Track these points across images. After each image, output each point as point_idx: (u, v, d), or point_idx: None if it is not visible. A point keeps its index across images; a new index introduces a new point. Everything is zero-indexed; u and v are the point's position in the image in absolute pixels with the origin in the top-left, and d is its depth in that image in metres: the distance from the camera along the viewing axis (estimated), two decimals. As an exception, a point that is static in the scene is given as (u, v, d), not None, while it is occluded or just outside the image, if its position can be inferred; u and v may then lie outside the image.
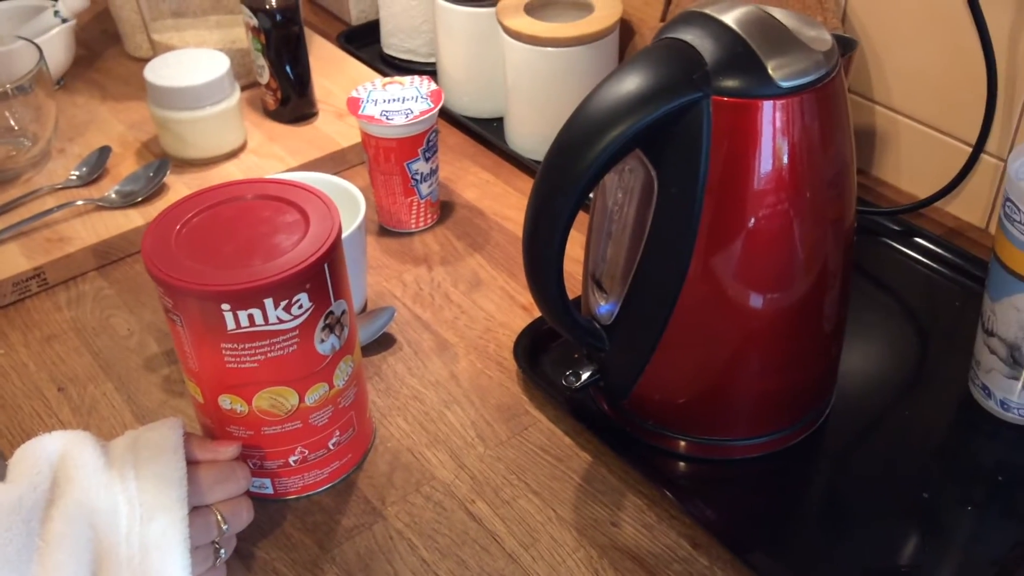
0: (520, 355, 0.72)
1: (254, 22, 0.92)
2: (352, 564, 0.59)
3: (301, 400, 0.58)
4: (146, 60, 1.07)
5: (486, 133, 0.99)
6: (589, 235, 0.65)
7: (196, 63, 0.89)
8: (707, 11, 0.58)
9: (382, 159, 0.83)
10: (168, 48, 0.97)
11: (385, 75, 1.07)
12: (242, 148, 0.94)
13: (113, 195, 0.86)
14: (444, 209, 0.89)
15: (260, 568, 0.59)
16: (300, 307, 0.55)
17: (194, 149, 0.90)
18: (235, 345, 0.55)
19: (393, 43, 1.10)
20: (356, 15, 1.18)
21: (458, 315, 0.78)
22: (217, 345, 0.55)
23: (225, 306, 0.53)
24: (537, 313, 0.77)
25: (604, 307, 0.63)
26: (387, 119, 0.80)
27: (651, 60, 0.56)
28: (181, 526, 0.51)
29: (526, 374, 0.71)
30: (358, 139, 0.95)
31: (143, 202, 0.86)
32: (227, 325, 0.54)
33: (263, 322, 0.54)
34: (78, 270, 0.82)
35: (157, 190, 0.87)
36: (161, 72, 0.88)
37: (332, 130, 0.97)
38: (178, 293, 0.54)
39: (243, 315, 0.53)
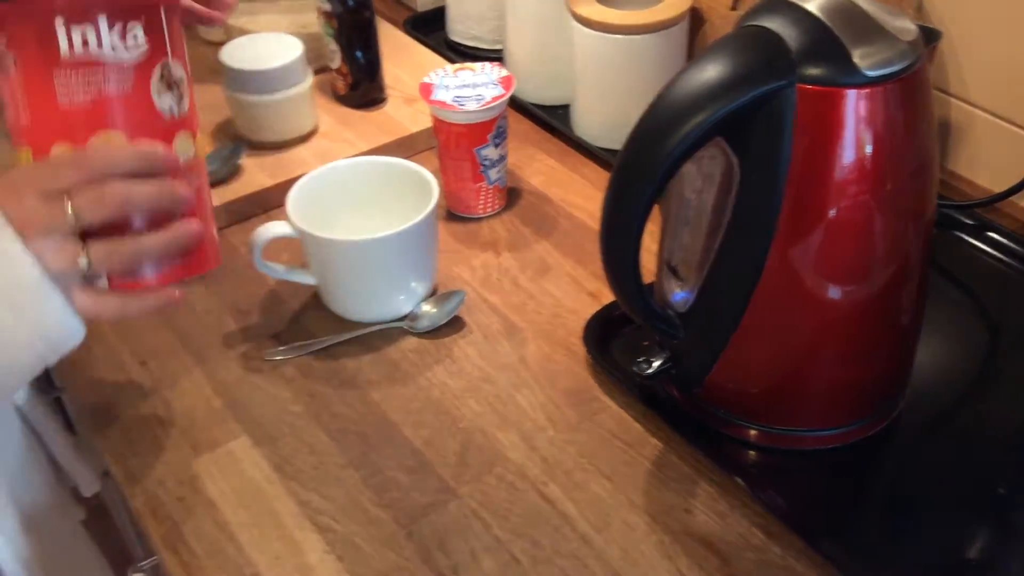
0: (590, 341, 0.73)
1: (327, 7, 0.93)
2: (429, 540, 0.60)
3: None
4: (219, 44, 1.09)
5: (552, 120, 0.99)
6: (665, 222, 0.65)
7: (271, 47, 0.91)
8: (791, -1, 0.57)
9: (452, 145, 0.84)
10: (242, 32, 0.99)
11: (451, 62, 1.07)
12: (313, 132, 0.95)
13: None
14: (511, 195, 0.90)
15: (339, 541, 0.61)
16: (135, 39, 0.54)
17: (268, 132, 0.92)
18: (69, 74, 0.54)
19: (459, 29, 1.11)
20: (422, 2, 1.19)
21: (526, 300, 0.79)
22: (50, 77, 0.54)
23: (59, 20, 0.52)
24: (605, 300, 0.78)
25: (679, 295, 0.64)
26: (459, 105, 0.81)
27: (735, 47, 0.56)
28: None
29: (596, 360, 0.72)
30: (427, 125, 0.96)
31: (219, 183, 0.88)
32: (60, 47, 0.53)
33: (96, 45, 0.53)
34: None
35: (233, 171, 0.89)
36: (237, 56, 0.90)
37: (401, 115, 0.98)
38: (12, 16, 0.53)
39: (76, 34, 0.53)
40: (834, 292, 0.59)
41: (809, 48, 0.55)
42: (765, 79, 0.54)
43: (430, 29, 1.15)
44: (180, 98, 0.57)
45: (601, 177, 0.93)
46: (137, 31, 0.54)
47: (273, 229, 0.73)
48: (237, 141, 0.92)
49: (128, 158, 0.56)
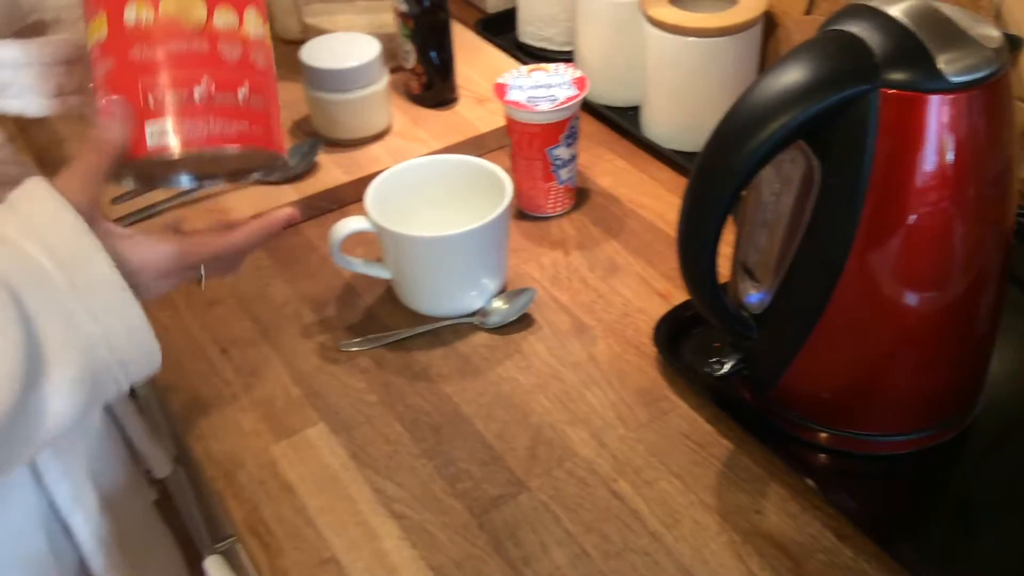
0: (661, 341, 0.73)
1: (403, 8, 0.95)
2: (500, 531, 0.62)
3: (209, 16, 0.56)
4: (295, 42, 1.11)
5: (622, 121, 1.00)
6: (740, 224, 0.66)
7: (349, 47, 0.93)
8: (873, 4, 0.58)
9: (525, 144, 0.85)
10: (319, 31, 1.01)
11: (522, 63, 1.09)
12: (387, 130, 0.97)
13: (269, 170, 0.90)
14: (580, 195, 0.91)
15: (413, 528, 0.62)
16: None
17: (343, 129, 0.94)
18: None
19: (529, 31, 1.12)
20: (493, 3, 1.20)
21: (595, 299, 0.80)
22: None
23: None
24: (675, 300, 0.78)
25: (755, 296, 0.64)
26: (533, 105, 0.82)
27: (818, 51, 0.57)
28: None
29: (666, 360, 0.72)
30: (498, 124, 0.98)
31: (297, 178, 0.90)
32: None
33: None
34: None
35: (310, 167, 0.91)
36: (316, 55, 0.92)
37: (472, 115, 1.00)
38: None
39: None
40: (911, 298, 0.59)
41: (893, 53, 0.55)
42: (848, 83, 0.55)
43: (500, 30, 1.16)
44: None
45: (671, 178, 0.93)
46: None
47: (351, 224, 0.75)
48: (314, 138, 0.94)
49: (261, 237, 0.61)
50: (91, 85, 0.59)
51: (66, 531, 0.70)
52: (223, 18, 0.56)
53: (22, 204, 0.54)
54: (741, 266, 0.65)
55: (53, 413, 0.53)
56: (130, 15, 0.55)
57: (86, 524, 0.70)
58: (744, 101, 0.56)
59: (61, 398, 0.53)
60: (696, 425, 0.69)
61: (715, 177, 0.57)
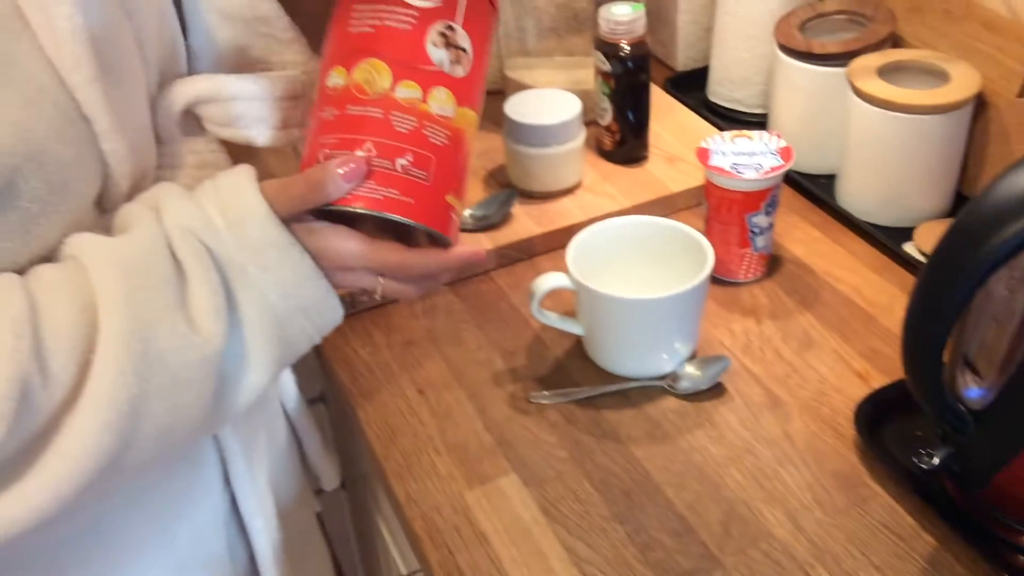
0: (861, 424, 0.72)
1: (606, 68, 0.97)
2: (694, 606, 0.61)
3: (392, 87, 0.58)
4: (492, 92, 1.15)
5: (816, 189, 0.98)
6: (965, 313, 0.63)
7: (550, 103, 0.96)
8: None
9: (724, 209, 0.85)
10: (520, 85, 1.04)
11: (710, 122, 1.09)
12: (578, 185, 0.99)
13: (468, 218, 0.93)
14: (772, 262, 0.90)
15: (607, 593, 0.63)
16: None
17: (538, 183, 0.96)
18: (364, 6, 0.59)
19: (720, 92, 1.13)
20: (683, 61, 1.21)
21: (789, 373, 0.79)
22: (351, 8, 0.60)
23: None
24: (874, 380, 0.76)
25: (975, 391, 0.62)
26: (737, 172, 0.82)
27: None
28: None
29: (867, 445, 0.70)
30: (688, 185, 0.98)
31: (492, 228, 0.93)
32: None
33: None
34: (430, 296, 0.90)
35: (505, 217, 0.94)
36: (519, 109, 0.95)
37: (662, 174, 1.00)
38: None
39: None
40: None
41: None
42: (1106, 184, 0.53)
43: (690, 88, 1.17)
44: (456, 61, 0.61)
45: (867, 252, 0.91)
46: None
47: (552, 280, 0.77)
48: (508, 188, 0.97)
49: (443, 265, 0.62)
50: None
51: (242, 534, 0.73)
52: (405, 91, 0.59)
53: (221, 176, 0.59)
54: (961, 357, 0.63)
55: (254, 374, 0.57)
56: (330, 80, 0.60)
57: (264, 529, 0.74)
58: (988, 195, 0.55)
59: (255, 351, 0.57)
60: (897, 516, 0.66)
61: (952, 273, 0.55)
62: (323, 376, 0.98)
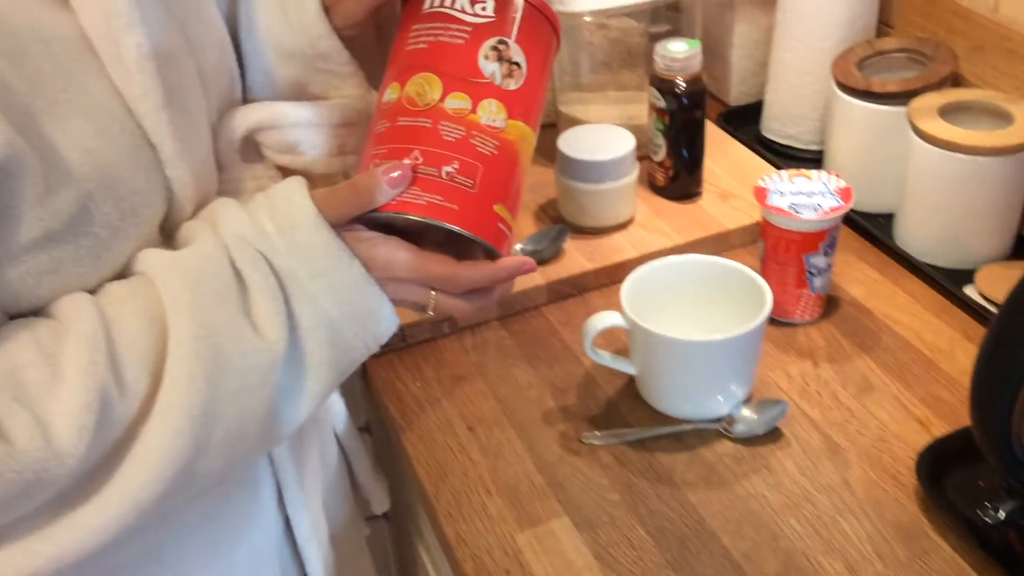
0: (923, 475, 0.70)
1: (660, 104, 0.96)
2: (753, 661, 0.60)
3: (442, 98, 0.59)
4: (544, 126, 1.15)
5: (873, 228, 0.97)
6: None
7: (604, 138, 0.95)
8: None
9: (781, 249, 0.84)
10: (573, 119, 1.04)
11: (764, 158, 1.08)
12: (631, 220, 0.98)
13: (519, 252, 0.93)
14: (829, 303, 0.89)
15: (662, 644, 0.61)
16: (483, 8, 0.60)
17: (590, 218, 0.96)
18: (421, 25, 0.61)
19: (774, 127, 1.11)
20: (736, 96, 1.20)
21: (848, 418, 0.77)
22: (409, 28, 0.61)
23: None
24: (935, 428, 0.75)
25: (1047, 446, 0.60)
26: (795, 212, 0.81)
27: None
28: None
29: (929, 495, 0.68)
30: (742, 222, 0.97)
31: (544, 263, 0.93)
32: (424, 2, 0.61)
33: (449, 5, 0.60)
34: (483, 318, 0.90)
35: (557, 252, 0.93)
36: (573, 145, 0.95)
37: (716, 211, 0.99)
38: None
39: None
40: None
41: None
42: None
43: (742, 123, 1.16)
44: (509, 75, 0.61)
45: (926, 294, 0.89)
46: (488, 2, 0.61)
47: (607, 319, 0.76)
48: (560, 223, 0.96)
49: (496, 277, 0.61)
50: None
51: (296, 558, 0.73)
52: (455, 102, 0.60)
53: (274, 187, 0.60)
54: (1032, 410, 0.61)
55: (312, 382, 0.58)
56: (385, 96, 0.61)
57: (318, 553, 0.73)
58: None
59: (311, 358, 0.57)
60: (960, 570, 0.64)
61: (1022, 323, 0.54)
62: (368, 406, 0.98)
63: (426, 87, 0.60)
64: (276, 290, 0.56)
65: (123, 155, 0.55)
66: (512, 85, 0.61)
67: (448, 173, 0.59)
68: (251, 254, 0.57)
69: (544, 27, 0.64)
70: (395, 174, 0.57)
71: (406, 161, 0.58)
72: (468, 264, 0.60)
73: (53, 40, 0.53)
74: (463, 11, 0.61)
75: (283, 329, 0.56)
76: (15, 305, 0.54)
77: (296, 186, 0.59)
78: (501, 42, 0.61)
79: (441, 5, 0.61)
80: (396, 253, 0.59)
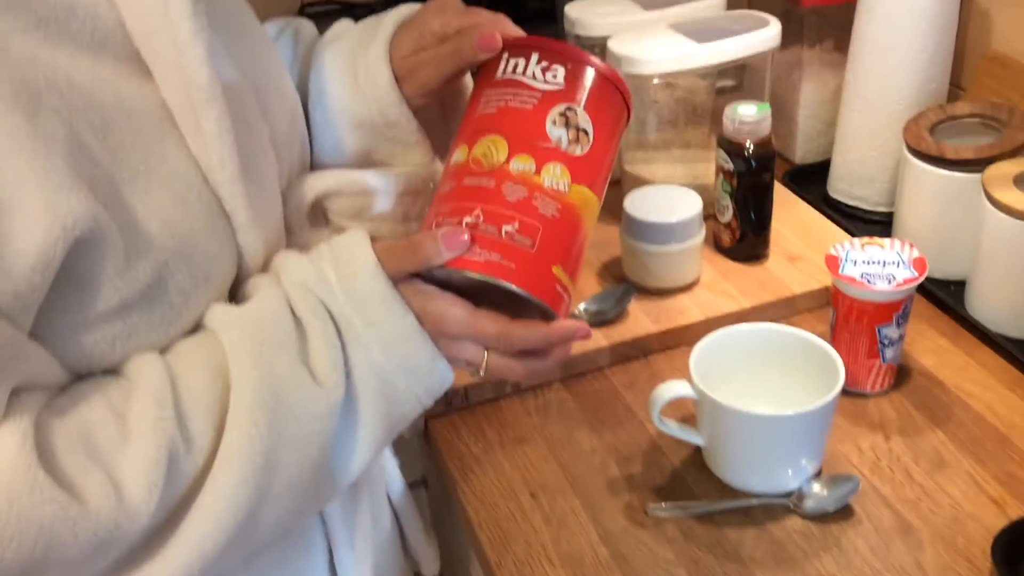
0: (998, 558, 0.67)
1: (728, 166, 0.96)
2: None
3: (507, 160, 0.60)
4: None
5: (944, 295, 0.95)
6: None
7: (671, 199, 0.95)
8: None
9: (853, 319, 0.82)
10: (638, 179, 1.04)
11: (834, 220, 1.07)
12: (696, 282, 0.97)
13: (583, 312, 0.93)
14: (900, 373, 0.87)
15: None
16: (554, 76, 0.61)
17: (655, 279, 0.95)
18: (493, 91, 0.62)
19: (841, 188, 1.10)
20: (801, 155, 1.19)
21: (920, 496, 0.75)
22: (481, 94, 0.63)
23: (504, 54, 0.63)
24: (1011, 509, 0.73)
25: None
26: (868, 282, 0.80)
27: None
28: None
29: (1008, 583, 0.66)
30: (810, 287, 0.96)
31: (608, 323, 0.92)
32: (497, 71, 0.63)
33: (522, 72, 0.62)
34: (546, 379, 0.89)
35: (621, 313, 0.93)
36: (639, 205, 0.94)
37: (783, 274, 0.98)
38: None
39: (512, 63, 0.62)
40: None
41: None
42: None
43: (808, 183, 1.15)
44: (575, 141, 0.62)
45: (1000, 366, 0.87)
46: (558, 71, 0.62)
47: (674, 389, 0.75)
48: (626, 284, 0.96)
49: (550, 340, 0.61)
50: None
51: None
52: (519, 164, 0.60)
53: (337, 237, 0.61)
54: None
55: (364, 432, 0.58)
56: (453, 158, 0.63)
57: None
58: None
59: (363, 409, 0.58)
60: (1045, 667, 0.62)
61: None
62: (424, 460, 0.97)
63: (492, 149, 0.61)
64: (334, 337, 0.57)
65: (199, 224, 0.56)
66: (578, 151, 0.62)
67: (508, 232, 0.59)
68: (311, 301, 0.58)
69: (615, 97, 0.64)
70: (451, 233, 0.58)
71: (467, 219, 0.59)
72: (522, 324, 0.60)
73: (136, 112, 0.54)
74: (534, 78, 0.62)
75: (340, 376, 0.57)
76: (88, 368, 0.55)
77: (359, 236, 0.60)
78: (569, 109, 0.62)
79: (514, 72, 0.63)
80: (450, 309, 0.59)
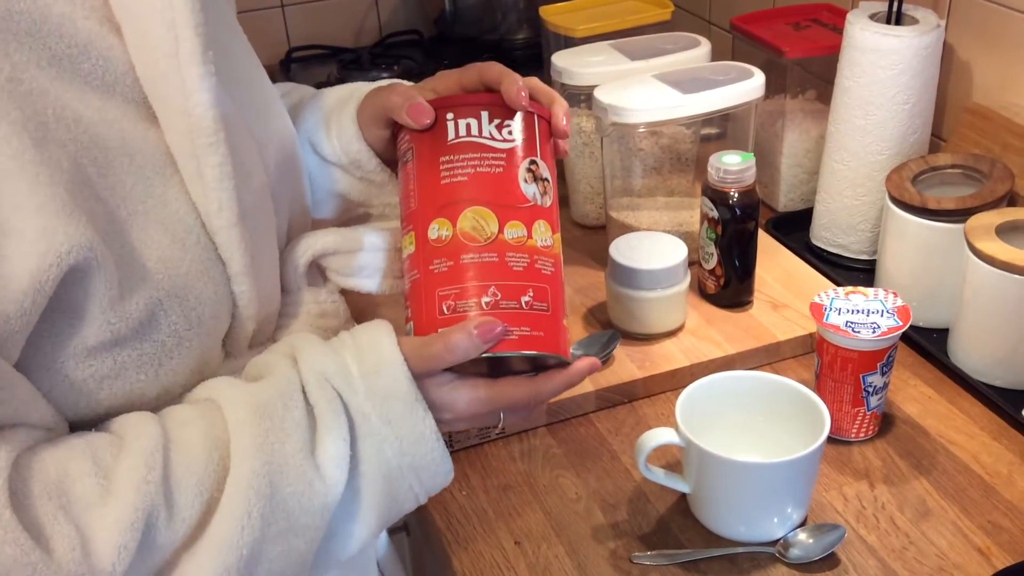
0: (987, 611, 0.67)
1: (713, 214, 0.96)
2: None
3: (500, 230, 0.60)
4: (591, 228, 1.16)
5: (926, 343, 0.96)
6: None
7: (656, 246, 0.95)
8: None
9: (837, 368, 0.83)
10: (623, 225, 1.05)
11: (817, 268, 1.07)
12: (681, 328, 0.98)
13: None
14: (884, 421, 0.87)
15: None
16: (510, 132, 0.62)
17: (640, 325, 0.96)
18: (451, 157, 0.61)
19: (824, 236, 1.11)
20: (784, 203, 1.21)
21: (906, 545, 0.75)
22: (436, 161, 0.62)
23: (449, 115, 0.62)
24: (995, 559, 0.73)
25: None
26: (852, 331, 0.81)
27: None
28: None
29: (996, 636, 0.66)
30: (794, 333, 0.96)
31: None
32: (448, 134, 0.62)
33: (477, 133, 0.61)
34: (531, 424, 0.89)
35: (607, 359, 0.93)
36: (625, 252, 0.95)
37: (767, 320, 0.99)
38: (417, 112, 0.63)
39: (462, 124, 0.61)
40: None
41: None
42: None
43: (791, 230, 1.16)
44: (545, 192, 0.63)
45: (982, 414, 0.88)
46: (512, 126, 0.63)
47: (660, 436, 0.75)
48: (612, 329, 0.96)
49: (565, 387, 0.63)
50: None
51: None
52: (513, 231, 0.61)
53: (359, 329, 0.61)
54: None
55: (359, 526, 0.58)
56: (432, 232, 0.61)
57: None
58: None
59: (364, 503, 0.57)
60: None
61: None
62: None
63: (482, 222, 0.61)
64: (345, 431, 0.56)
65: (195, 267, 0.56)
66: (548, 201, 0.64)
67: (527, 302, 0.60)
68: (327, 391, 0.57)
69: (546, 127, 0.66)
70: (487, 327, 0.58)
71: (485, 299, 0.59)
72: (545, 379, 0.62)
73: (138, 154, 0.55)
74: (492, 138, 0.62)
75: (344, 472, 0.56)
76: (74, 409, 0.54)
77: (385, 331, 0.59)
78: (532, 163, 0.63)
79: (468, 134, 0.62)
80: (475, 393, 0.60)
